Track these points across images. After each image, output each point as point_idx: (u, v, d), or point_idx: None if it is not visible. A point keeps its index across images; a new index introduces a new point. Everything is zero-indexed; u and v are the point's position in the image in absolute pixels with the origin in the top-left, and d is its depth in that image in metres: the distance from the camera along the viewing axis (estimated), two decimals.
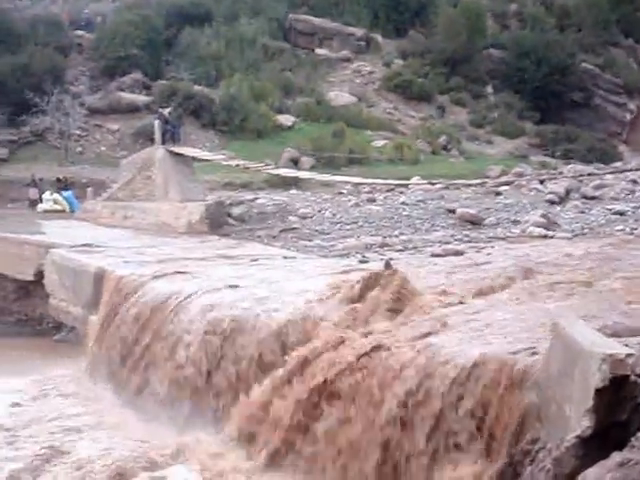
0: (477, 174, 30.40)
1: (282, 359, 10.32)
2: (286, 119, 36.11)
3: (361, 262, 16.28)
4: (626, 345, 5.88)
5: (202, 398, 11.64)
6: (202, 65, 38.72)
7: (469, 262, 14.12)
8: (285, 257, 17.48)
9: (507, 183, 27.15)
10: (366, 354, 8.83)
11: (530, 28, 45.48)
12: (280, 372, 10.04)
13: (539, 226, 20.62)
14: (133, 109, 34.63)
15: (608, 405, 5.53)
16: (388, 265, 11.01)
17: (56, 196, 26.92)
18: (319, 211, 24.18)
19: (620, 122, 42.96)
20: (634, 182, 27.48)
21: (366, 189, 27.10)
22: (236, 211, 24.12)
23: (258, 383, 10.42)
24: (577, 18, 46.80)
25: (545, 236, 19.77)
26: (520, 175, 29.60)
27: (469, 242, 19.27)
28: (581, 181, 27.18)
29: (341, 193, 27.48)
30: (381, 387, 8.35)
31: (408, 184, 25.76)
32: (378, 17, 45.79)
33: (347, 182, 26.00)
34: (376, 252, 18.36)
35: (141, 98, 35.42)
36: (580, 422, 5.65)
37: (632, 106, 43.25)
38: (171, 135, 24.63)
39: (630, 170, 27.31)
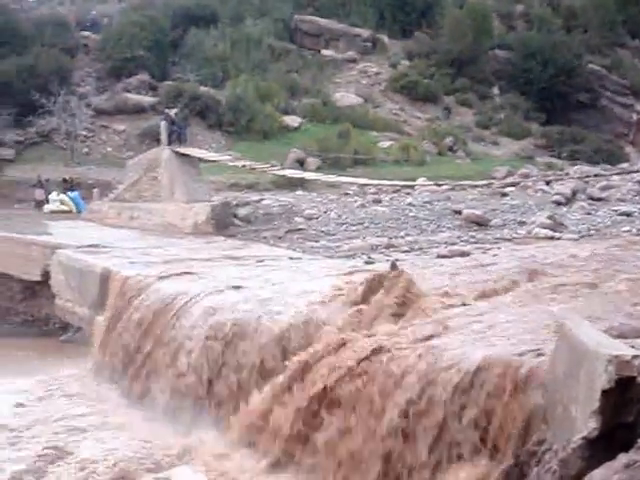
0: (483, 175, 30.36)
1: (283, 365, 10.21)
2: (292, 120, 36.15)
3: (367, 263, 16.27)
4: (632, 346, 5.87)
5: (203, 407, 11.60)
6: (208, 66, 38.78)
7: (475, 263, 14.09)
8: (291, 258, 17.49)
9: (513, 184, 27.12)
10: (367, 358, 8.75)
11: (536, 29, 45.44)
12: (280, 379, 9.94)
13: (545, 227, 20.58)
14: (139, 110, 34.72)
15: (614, 406, 5.52)
16: (394, 266, 10.99)
17: (62, 197, 27.00)
18: (325, 212, 24.19)
19: (627, 123, 42.89)
20: None
21: (372, 190, 27.10)
22: (242, 212, 24.15)
23: (258, 390, 10.33)
24: (584, 19, 46.74)
25: (551, 237, 19.73)
26: (526, 176, 29.55)
27: (475, 243, 19.25)
28: (587, 182, 27.12)
29: (347, 194, 27.49)
30: (382, 395, 8.29)
31: (414, 185, 25.76)
32: (384, 18, 45.80)
33: (353, 183, 26.01)
34: (382, 253, 18.35)
35: (147, 99, 35.50)
36: (586, 423, 5.64)
37: (639, 107, 43.17)
38: (177, 136, 24.68)
39: (637, 171, 27.25)
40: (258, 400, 10.13)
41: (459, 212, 23.11)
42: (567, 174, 30.16)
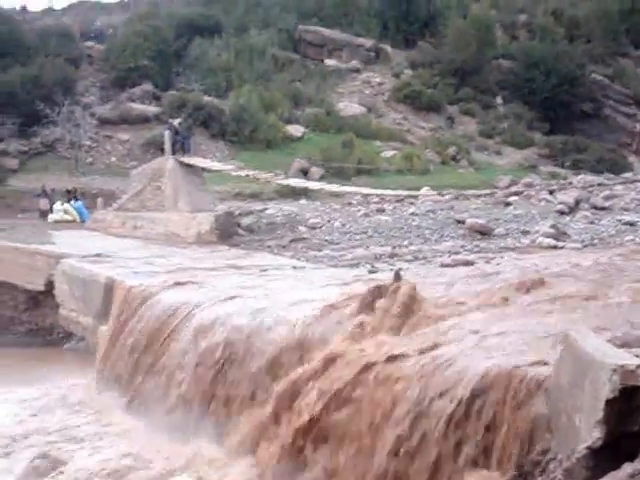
0: (486, 184, 30.42)
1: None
2: (295, 129, 36.25)
3: (370, 272, 16.27)
4: (637, 356, 5.87)
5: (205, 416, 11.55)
6: (212, 76, 38.94)
7: (478, 272, 14.08)
8: (294, 267, 17.48)
9: (516, 193, 27.14)
10: (355, 379, 8.62)
11: (539, 39, 45.57)
12: (267, 409, 9.65)
13: (549, 236, 20.57)
14: (143, 120, 34.86)
15: (619, 416, 5.52)
16: (397, 275, 10.96)
17: (67, 206, 27.05)
18: (328, 221, 24.21)
19: (630, 132, 42.95)
20: None
21: (375, 199, 27.12)
22: (246, 221, 24.17)
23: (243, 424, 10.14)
24: (586, 29, 46.88)
25: (555, 247, 19.72)
26: (529, 185, 29.56)
27: (479, 252, 19.24)
28: (591, 191, 27.12)
29: (350, 203, 27.51)
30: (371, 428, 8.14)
31: (417, 195, 25.79)
32: (387, 28, 45.99)
33: (356, 192, 26.05)
34: (385, 262, 18.34)
35: (151, 109, 35.63)
36: (591, 433, 5.64)
37: None
38: (181, 145, 24.72)
39: None
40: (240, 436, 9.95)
41: (462, 221, 23.11)
42: (570, 183, 30.16)
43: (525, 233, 21.68)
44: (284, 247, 21.30)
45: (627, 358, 5.70)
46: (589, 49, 45.41)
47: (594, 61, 44.92)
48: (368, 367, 8.60)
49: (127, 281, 15.88)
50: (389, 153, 35.26)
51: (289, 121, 36.89)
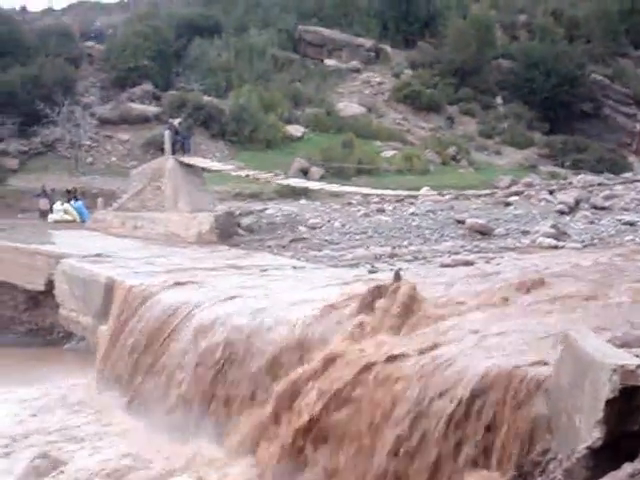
0: (486, 184, 30.43)
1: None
2: (295, 129, 36.27)
3: (370, 272, 16.28)
4: (637, 356, 5.88)
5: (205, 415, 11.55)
6: (212, 76, 38.96)
7: (478, 272, 14.09)
8: (294, 267, 17.49)
9: (517, 193, 27.15)
10: (355, 379, 8.61)
11: (539, 39, 45.60)
12: (267, 409, 9.64)
13: (549, 236, 20.58)
14: (143, 120, 34.88)
15: (619, 416, 5.53)
16: (397, 275, 10.96)
17: (67, 206, 27.05)
18: (328, 221, 24.22)
19: (630, 132, 42.98)
20: None
21: (375, 199, 27.13)
22: (246, 221, 24.18)
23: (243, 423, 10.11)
24: (586, 29, 46.91)
25: (555, 246, 19.73)
26: (529, 185, 29.59)
27: (479, 252, 19.24)
28: (591, 191, 27.14)
29: (350, 203, 27.52)
30: (370, 428, 8.15)
31: (417, 195, 25.79)
32: (387, 28, 46.01)
33: (356, 192, 26.06)
34: (385, 262, 18.35)
35: (151, 109, 35.65)
36: (591, 433, 5.64)
37: None
38: (181, 145, 24.72)
39: None
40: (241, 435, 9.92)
41: (462, 221, 23.12)
42: (570, 183, 30.18)
43: (525, 233, 21.69)
44: (284, 247, 21.31)
45: (627, 358, 5.71)
46: (589, 49, 45.43)
47: (594, 61, 44.94)
48: (368, 367, 8.60)
49: (127, 281, 15.89)
50: (389, 153, 35.27)
51: (289, 121, 36.91)
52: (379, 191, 24.37)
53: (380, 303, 10.38)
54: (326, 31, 44.85)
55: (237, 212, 24.95)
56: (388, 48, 45.30)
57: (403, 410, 7.74)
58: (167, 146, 24.54)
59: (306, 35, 44.86)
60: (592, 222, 23.01)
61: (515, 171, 34.85)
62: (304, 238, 22.27)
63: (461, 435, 7.17)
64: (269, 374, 10.65)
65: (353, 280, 14.01)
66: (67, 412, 13.71)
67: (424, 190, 27.21)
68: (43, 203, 27.52)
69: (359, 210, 26.09)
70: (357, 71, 43.63)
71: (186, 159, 24.44)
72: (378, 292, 10.58)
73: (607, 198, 26.41)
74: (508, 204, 25.98)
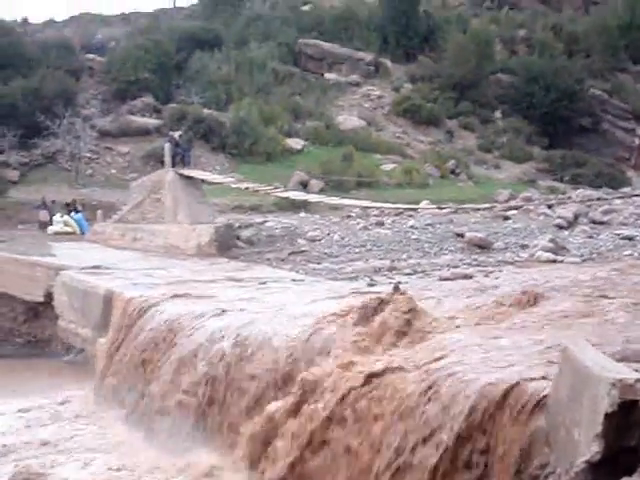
0: (485, 198, 30.48)
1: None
2: (295, 143, 36.33)
3: (369, 285, 16.29)
4: (636, 370, 5.89)
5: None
6: (212, 89, 39.05)
7: (476, 286, 14.11)
8: (294, 280, 17.50)
9: (515, 207, 27.20)
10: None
11: (539, 54, 45.74)
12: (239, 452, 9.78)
13: (547, 251, 20.61)
14: (143, 132, 34.94)
15: (617, 430, 5.53)
16: (397, 289, 10.97)
17: (66, 218, 27.07)
18: (328, 234, 24.24)
19: (628, 147, 43.05)
20: None
21: (375, 212, 27.17)
22: (245, 234, 24.20)
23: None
24: (585, 44, 47.06)
25: (554, 261, 19.76)
26: (528, 200, 29.63)
27: (477, 266, 19.28)
28: (589, 206, 27.20)
29: (350, 216, 27.56)
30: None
31: (417, 208, 25.82)
32: (387, 42, 46.15)
33: (356, 206, 26.08)
34: (385, 275, 18.38)
35: (151, 121, 35.72)
36: (589, 447, 5.64)
37: None
38: (181, 158, 24.77)
39: (638, 195, 27.29)
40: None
41: (462, 235, 23.15)
42: (569, 198, 30.24)
43: (524, 247, 21.72)
44: (283, 260, 21.33)
45: (626, 372, 5.72)
46: (588, 64, 45.57)
47: (593, 76, 45.07)
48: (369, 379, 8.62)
49: (126, 293, 15.90)
50: (388, 166, 35.32)
51: (289, 134, 36.97)
52: (378, 204, 24.39)
53: (379, 316, 10.39)
54: (326, 45, 45.01)
55: (236, 225, 24.97)
56: (388, 62, 45.45)
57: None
58: (167, 159, 24.58)
59: (306, 49, 45.01)
60: (591, 237, 23.05)
61: (514, 185, 34.89)
62: (303, 251, 22.28)
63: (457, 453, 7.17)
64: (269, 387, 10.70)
65: (352, 293, 14.02)
66: (63, 424, 13.68)
67: (423, 204, 27.24)
68: (43, 215, 27.53)
69: (358, 223, 26.12)
70: (357, 85, 43.74)
71: (186, 171, 24.48)
72: (376, 305, 10.59)
73: (606, 213, 26.46)
74: (507, 218, 26.03)
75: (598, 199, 28.04)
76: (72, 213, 27.37)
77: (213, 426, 11.40)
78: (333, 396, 8.86)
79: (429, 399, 7.72)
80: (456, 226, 24.53)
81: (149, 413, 12.82)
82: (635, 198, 27.53)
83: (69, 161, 32.46)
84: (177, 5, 57.77)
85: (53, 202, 27.84)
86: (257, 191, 25.77)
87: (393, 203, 24.78)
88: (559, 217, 25.58)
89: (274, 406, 9.75)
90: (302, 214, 28.04)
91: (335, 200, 25.01)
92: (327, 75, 43.95)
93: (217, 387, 11.58)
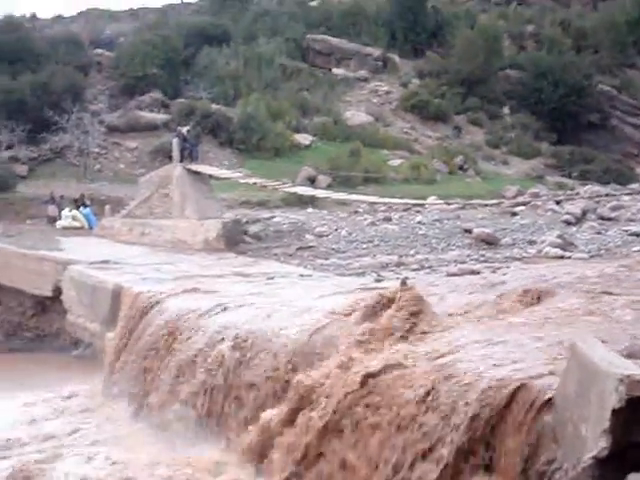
0: (493, 194, 30.46)
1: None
2: (303, 138, 36.34)
3: (377, 281, 16.30)
4: None
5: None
6: (220, 84, 39.09)
7: (484, 282, 14.10)
8: (301, 275, 17.52)
9: (523, 203, 27.15)
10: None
11: (547, 49, 45.65)
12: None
13: (555, 247, 20.58)
14: (152, 127, 35.00)
15: (625, 426, 5.54)
16: (404, 284, 10.98)
17: (75, 213, 27.12)
18: (335, 230, 24.25)
19: (637, 143, 42.97)
20: None
21: (382, 208, 27.17)
22: (253, 229, 24.22)
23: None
24: (594, 40, 46.94)
25: (561, 257, 19.72)
26: (536, 196, 29.58)
27: (485, 262, 19.26)
28: (598, 202, 27.12)
29: (357, 212, 27.56)
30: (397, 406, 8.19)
31: (424, 204, 25.82)
32: (395, 38, 46.12)
33: (363, 201, 26.09)
34: (392, 271, 18.37)
35: (160, 117, 35.77)
36: (597, 443, 5.65)
37: None
38: (189, 153, 24.79)
39: None
40: None
41: (469, 231, 23.12)
42: (577, 194, 30.17)
43: (532, 243, 21.68)
44: (291, 255, 21.34)
45: (634, 368, 5.73)
46: (596, 60, 45.45)
47: (601, 72, 44.95)
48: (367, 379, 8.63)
49: (135, 287, 15.94)
50: (396, 162, 35.30)
51: (297, 130, 36.98)
52: (386, 200, 24.40)
53: (386, 312, 10.39)
54: (334, 40, 44.99)
55: (244, 220, 24.99)
56: (396, 57, 45.41)
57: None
58: (175, 154, 24.62)
59: (314, 44, 44.99)
60: (599, 233, 22.99)
61: (522, 181, 34.84)
62: (311, 246, 22.30)
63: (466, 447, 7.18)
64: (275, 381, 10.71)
65: (359, 289, 14.03)
66: (69, 418, 13.69)
67: (431, 199, 27.25)
68: (51, 210, 27.58)
69: (366, 219, 26.12)
70: (365, 80, 43.73)
71: (194, 167, 24.51)
72: (384, 301, 10.60)
73: (614, 209, 26.39)
74: (515, 214, 26.00)
75: (606, 195, 27.96)
76: (80, 208, 27.42)
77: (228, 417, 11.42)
78: (329, 403, 8.86)
79: (427, 408, 7.72)
80: (463, 222, 24.50)
81: (158, 408, 12.85)
82: None
83: (77, 156, 32.52)
84: (185, 1, 57.91)
85: (62, 197, 27.89)
86: (265, 186, 25.80)
87: (400, 198, 24.79)
88: (567, 213, 25.52)
89: (269, 414, 9.73)
90: (309, 210, 28.05)
91: (343, 195, 25.03)
92: (335, 70, 43.94)
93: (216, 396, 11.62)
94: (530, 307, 10.59)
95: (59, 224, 26.90)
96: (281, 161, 33.99)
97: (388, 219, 25.78)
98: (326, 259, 20.60)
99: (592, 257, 19.46)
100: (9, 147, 32.07)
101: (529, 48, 47.63)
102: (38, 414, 13.91)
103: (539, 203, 27.12)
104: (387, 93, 42.78)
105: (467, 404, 7.25)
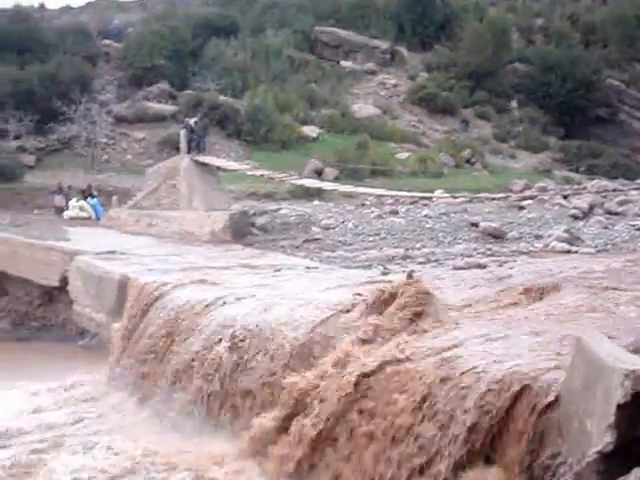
0: (500, 188, 30.42)
1: None
2: (310, 130, 36.31)
3: (383, 274, 16.30)
4: None
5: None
6: (228, 76, 39.06)
7: (490, 276, 14.09)
8: (307, 267, 17.53)
9: (530, 197, 27.10)
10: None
11: (555, 43, 45.50)
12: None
13: (562, 241, 20.54)
14: (159, 118, 35.02)
15: (630, 421, 5.54)
16: (410, 277, 10.99)
17: (82, 203, 27.17)
18: (342, 222, 24.25)
19: None
20: None
21: (389, 201, 27.16)
22: (260, 221, 24.24)
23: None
24: (603, 34, 46.77)
25: (568, 251, 19.68)
26: (543, 190, 29.54)
27: (491, 256, 19.23)
28: (605, 197, 27.06)
29: (364, 205, 27.55)
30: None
31: (431, 197, 25.79)
32: (404, 30, 46.01)
33: (370, 194, 26.07)
34: (398, 264, 18.37)
35: (167, 108, 35.78)
36: (602, 437, 5.66)
37: None
38: (196, 144, 24.80)
39: None
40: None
41: (476, 224, 23.10)
42: (585, 188, 30.11)
43: (538, 237, 21.65)
44: (297, 247, 21.35)
45: (639, 363, 5.73)
46: (605, 54, 45.29)
47: (610, 66, 44.79)
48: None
49: (141, 278, 15.95)
50: (403, 155, 35.27)
51: (304, 122, 36.96)
52: (393, 192, 24.38)
53: (392, 305, 10.39)
54: (342, 32, 44.91)
55: (251, 212, 25.01)
56: (404, 50, 45.31)
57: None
58: (182, 145, 24.64)
59: (322, 36, 44.92)
60: (606, 227, 22.94)
61: (529, 175, 34.77)
62: (317, 239, 22.30)
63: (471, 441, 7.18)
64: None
65: (365, 281, 14.04)
66: (74, 409, 13.71)
67: (438, 192, 27.22)
68: (59, 200, 27.64)
69: (372, 212, 26.11)
70: (373, 73, 43.66)
71: (201, 158, 24.52)
72: (390, 294, 10.60)
73: (621, 204, 26.32)
74: (522, 208, 25.95)
75: (614, 190, 27.90)
76: (88, 198, 27.47)
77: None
78: (322, 409, 8.85)
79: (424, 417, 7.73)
80: (470, 215, 24.48)
81: (163, 399, 12.88)
82: None
83: (85, 146, 32.58)
84: None
85: (69, 187, 27.94)
86: (272, 178, 25.80)
87: (407, 192, 24.77)
88: (574, 207, 25.48)
89: (263, 420, 9.73)
90: (316, 202, 28.06)
91: (349, 188, 25.01)
92: (343, 63, 43.88)
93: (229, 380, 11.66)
94: (544, 299, 10.58)
95: (66, 214, 26.96)
96: (288, 153, 33.99)
97: (395, 212, 25.76)
98: (332, 251, 20.61)
99: (599, 252, 19.42)
100: (17, 137, 32.13)
101: (538, 42, 47.47)
102: (43, 404, 13.95)
103: (546, 197, 27.06)
104: (395, 86, 42.71)
105: (465, 412, 7.25)
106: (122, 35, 41.59)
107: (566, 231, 21.37)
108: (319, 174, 31.41)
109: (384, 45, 44.81)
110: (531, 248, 20.38)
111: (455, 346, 8.55)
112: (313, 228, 23.62)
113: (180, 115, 33.12)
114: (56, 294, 20.23)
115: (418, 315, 9.99)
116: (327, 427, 8.61)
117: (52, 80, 33.49)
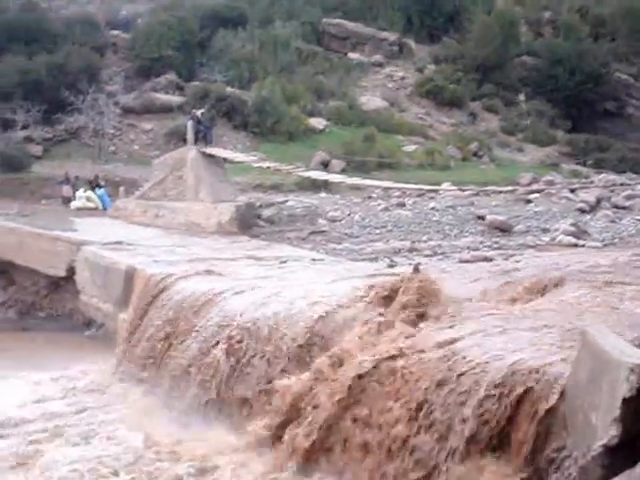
0: (508, 181, 30.35)
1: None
2: (318, 122, 36.25)
3: (389, 266, 16.32)
4: None
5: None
6: (235, 67, 39.00)
7: (497, 269, 14.10)
8: (313, 259, 17.56)
9: (537, 191, 27.07)
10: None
11: (564, 36, 45.29)
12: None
13: (569, 235, 20.54)
14: (166, 109, 35.00)
15: (635, 414, 5.55)
16: (417, 270, 10.99)
17: (89, 193, 27.21)
18: (348, 214, 24.25)
19: None
20: None
21: (396, 193, 27.14)
22: (266, 213, 24.26)
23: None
24: (611, 27, 46.51)
25: (575, 245, 19.69)
26: (551, 183, 29.48)
27: (498, 249, 19.25)
28: (612, 191, 27.02)
29: (371, 197, 27.53)
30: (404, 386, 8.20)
31: (438, 190, 25.76)
32: (412, 22, 45.85)
33: (377, 186, 26.05)
34: (405, 257, 18.40)
35: (175, 99, 35.76)
36: (607, 431, 5.67)
37: None
38: (203, 136, 24.81)
39: None
40: None
41: (482, 217, 23.09)
42: (592, 182, 30.05)
43: (545, 231, 21.65)
44: (303, 239, 21.38)
45: None
46: (614, 47, 45.07)
47: (618, 60, 44.57)
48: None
49: (148, 269, 16.00)
50: (410, 148, 35.20)
51: (311, 114, 36.89)
52: (400, 185, 24.36)
53: (398, 297, 10.41)
54: (350, 24, 44.77)
55: (258, 203, 25.03)
56: (412, 43, 45.17)
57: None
58: (189, 136, 24.65)
59: (330, 28, 44.79)
60: (613, 221, 22.92)
61: (537, 168, 34.67)
62: (324, 231, 22.32)
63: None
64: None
65: (372, 274, 14.05)
66: (79, 398, 13.74)
67: (445, 185, 27.18)
68: (66, 190, 27.67)
69: (379, 204, 26.09)
70: (380, 65, 43.53)
71: (208, 149, 24.52)
72: (400, 285, 10.61)
73: (628, 198, 26.29)
74: (529, 201, 25.92)
75: (621, 184, 27.85)
76: (95, 189, 27.50)
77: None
78: (316, 416, 8.86)
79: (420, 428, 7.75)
80: (477, 208, 24.46)
81: (170, 389, 12.91)
82: None
83: (92, 137, 32.59)
84: None
85: (76, 178, 27.97)
86: (279, 170, 25.79)
87: (414, 184, 24.74)
88: (581, 201, 25.45)
89: (257, 425, 9.74)
90: (323, 194, 28.05)
91: (356, 180, 24.99)
92: (350, 55, 43.75)
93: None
94: (549, 293, 10.58)
95: (73, 204, 26.99)
96: (295, 145, 33.94)
97: (402, 205, 25.76)
98: (339, 244, 20.64)
99: (606, 246, 19.41)
100: (24, 127, 32.14)
101: (546, 34, 47.25)
102: (48, 393, 13.99)
103: (553, 191, 27.03)
104: (402, 78, 42.59)
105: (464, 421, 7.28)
106: (130, 26, 41.52)
107: (573, 225, 21.36)
108: (326, 166, 31.37)
109: (392, 37, 44.67)
110: (538, 242, 20.38)
111: (459, 339, 8.57)
112: (319, 220, 23.63)
113: (187, 106, 33.08)
114: (63, 284, 20.29)
115: (423, 308, 10.00)
116: (320, 437, 8.66)
117: (60, 70, 33.48)
